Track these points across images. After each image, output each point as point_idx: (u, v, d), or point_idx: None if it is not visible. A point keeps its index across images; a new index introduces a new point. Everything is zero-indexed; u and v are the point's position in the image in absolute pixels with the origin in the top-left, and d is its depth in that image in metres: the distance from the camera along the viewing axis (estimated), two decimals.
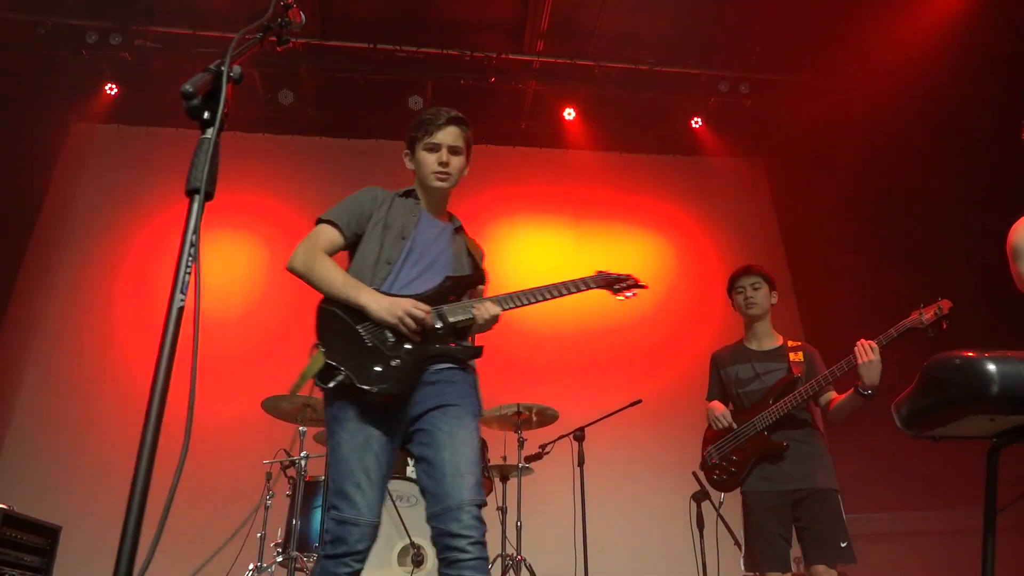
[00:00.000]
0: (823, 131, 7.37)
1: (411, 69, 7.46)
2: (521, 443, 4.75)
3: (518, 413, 4.72)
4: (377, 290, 2.39)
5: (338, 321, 2.35)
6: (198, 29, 6.97)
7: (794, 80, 7.44)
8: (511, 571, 4.47)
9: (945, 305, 3.16)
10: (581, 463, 4.68)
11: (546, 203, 8.02)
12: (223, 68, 1.45)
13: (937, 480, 5.45)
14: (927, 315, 3.16)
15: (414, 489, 4.17)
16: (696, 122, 7.86)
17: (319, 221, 2.53)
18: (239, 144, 7.93)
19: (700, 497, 4.18)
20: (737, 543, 3.91)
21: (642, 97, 7.62)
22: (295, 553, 4.19)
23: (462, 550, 2.13)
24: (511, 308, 2.53)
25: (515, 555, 4.54)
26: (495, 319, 2.49)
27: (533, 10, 7.06)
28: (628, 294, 2.88)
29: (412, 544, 4.01)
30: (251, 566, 4.40)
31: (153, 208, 7.61)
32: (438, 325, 2.42)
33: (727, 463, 3.39)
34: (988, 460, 1.99)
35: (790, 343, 3.63)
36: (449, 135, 2.63)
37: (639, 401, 4.64)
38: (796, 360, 3.50)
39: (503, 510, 4.74)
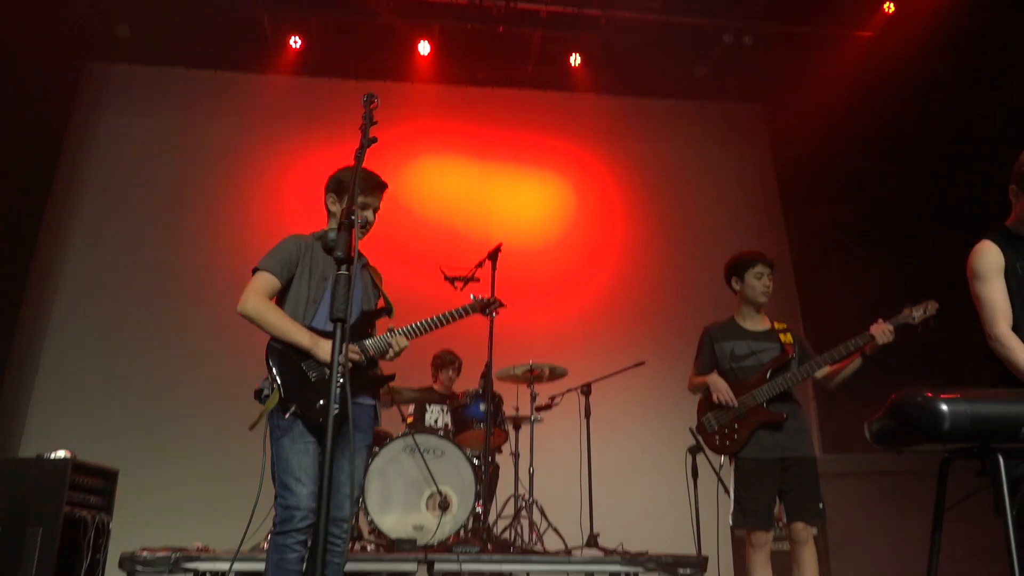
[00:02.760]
0: (825, 82, 7.49)
1: (420, 15, 7.58)
2: (533, 397, 5.21)
3: (531, 370, 5.16)
4: (309, 326, 2.94)
5: (286, 359, 2.90)
6: None
7: (799, 31, 7.55)
8: (524, 511, 5.01)
9: (932, 306, 3.54)
10: (588, 415, 5.17)
11: (548, 149, 8.28)
12: (354, 218, 1.81)
13: None
14: (917, 312, 3.55)
15: (440, 443, 4.66)
16: (699, 70, 8.04)
17: (256, 270, 3.00)
18: (249, 84, 8.11)
19: (695, 450, 4.65)
20: (727, 491, 4.36)
21: (647, 45, 7.76)
22: None
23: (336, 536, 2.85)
24: (414, 338, 3.15)
25: (527, 497, 5.07)
26: (403, 349, 3.11)
27: None
28: (494, 314, 3.70)
29: (439, 491, 4.51)
30: None
31: (171, 151, 7.85)
32: (365, 363, 3.02)
33: (729, 430, 3.81)
34: (940, 471, 2.42)
35: (776, 325, 4.01)
36: (378, 199, 3.12)
37: (642, 363, 5.08)
38: (787, 341, 3.89)
39: (516, 455, 5.25)
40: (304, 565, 2.75)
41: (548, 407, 5.32)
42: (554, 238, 7.88)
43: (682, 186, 8.17)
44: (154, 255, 7.54)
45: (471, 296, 3.45)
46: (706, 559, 4.07)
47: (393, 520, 4.46)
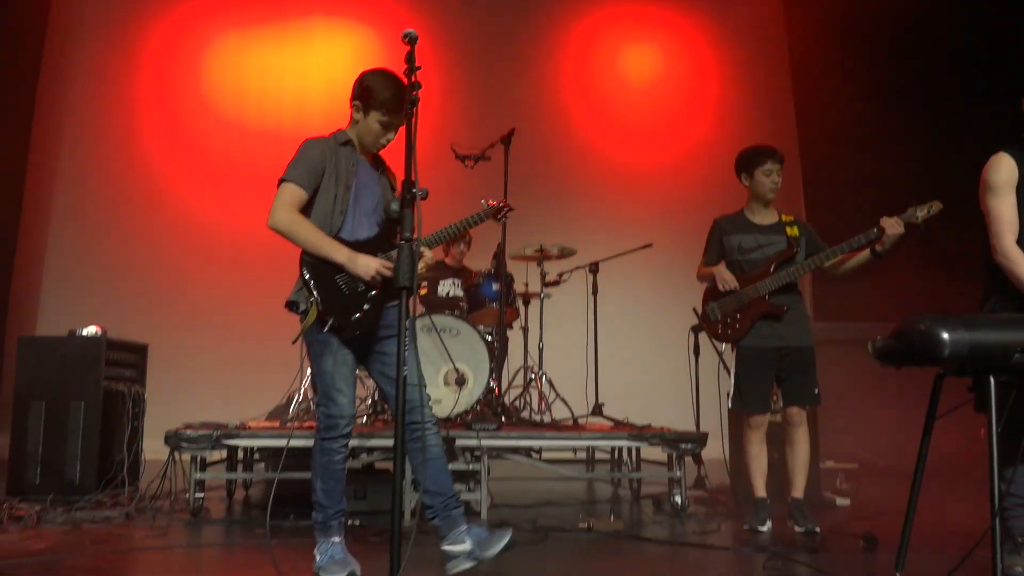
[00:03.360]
0: None
1: None
2: (543, 275, 5.40)
3: (540, 250, 5.32)
4: (336, 236, 2.95)
5: (320, 272, 2.94)
6: None
7: None
8: (533, 382, 5.33)
9: (936, 206, 3.63)
10: (595, 292, 5.38)
11: (559, 33, 8.08)
12: (415, 191, 1.88)
13: (903, 297, 6.18)
14: (920, 212, 3.66)
15: (455, 322, 4.87)
16: None
17: (283, 181, 2.94)
18: None
19: (697, 329, 4.90)
20: (727, 370, 4.63)
21: None
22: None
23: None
24: (435, 247, 3.21)
25: (536, 369, 5.37)
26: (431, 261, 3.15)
27: None
28: (505, 220, 3.59)
29: (455, 368, 4.78)
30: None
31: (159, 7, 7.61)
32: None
33: (731, 319, 4.02)
34: (933, 385, 2.63)
35: (784, 217, 4.13)
36: (403, 119, 2.89)
37: (650, 245, 5.23)
38: (793, 235, 4.02)
39: (526, 329, 5.51)
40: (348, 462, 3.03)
41: (557, 283, 5.52)
42: (565, 119, 7.80)
43: (693, 67, 8.02)
44: (157, 107, 7.49)
45: (482, 202, 3.45)
46: (706, 435, 4.39)
47: None
